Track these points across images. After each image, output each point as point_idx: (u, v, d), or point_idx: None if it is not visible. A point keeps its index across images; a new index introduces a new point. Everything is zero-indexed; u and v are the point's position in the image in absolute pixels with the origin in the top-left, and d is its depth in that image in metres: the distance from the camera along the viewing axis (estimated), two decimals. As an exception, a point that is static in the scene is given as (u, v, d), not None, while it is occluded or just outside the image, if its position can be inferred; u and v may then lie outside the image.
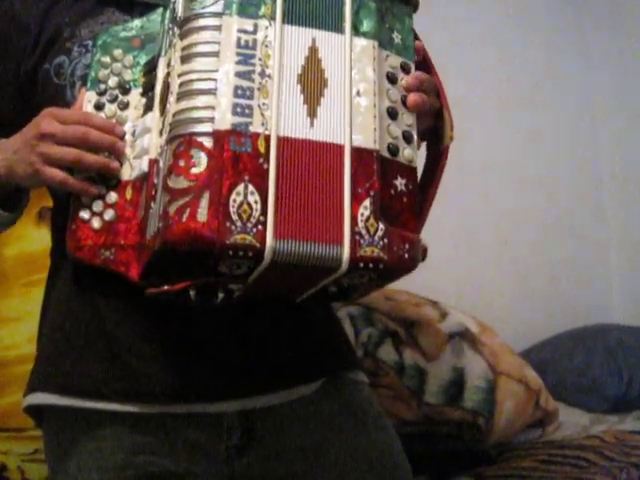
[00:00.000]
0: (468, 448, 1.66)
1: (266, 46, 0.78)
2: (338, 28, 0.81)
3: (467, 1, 2.39)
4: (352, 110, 0.79)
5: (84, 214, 0.84)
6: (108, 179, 0.85)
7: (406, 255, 0.78)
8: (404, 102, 0.82)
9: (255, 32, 0.78)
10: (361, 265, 0.76)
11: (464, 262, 2.30)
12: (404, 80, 0.83)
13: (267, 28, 0.78)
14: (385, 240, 0.77)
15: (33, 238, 1.58)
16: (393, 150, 0.80)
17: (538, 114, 2.53)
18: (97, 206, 0.84)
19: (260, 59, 0.77)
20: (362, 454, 0.97)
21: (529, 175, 2.49)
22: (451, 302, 1.90)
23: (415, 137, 0.83)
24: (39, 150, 0.83)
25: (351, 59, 0.81)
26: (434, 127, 0.88)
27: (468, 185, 2.22)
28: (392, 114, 0.81)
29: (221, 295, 0.80)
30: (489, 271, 2.38)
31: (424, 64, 0.89)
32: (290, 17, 0.80)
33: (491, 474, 1.55)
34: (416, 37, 0.87)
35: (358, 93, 0.80)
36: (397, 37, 0.84)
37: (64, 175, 0.84)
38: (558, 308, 2.45)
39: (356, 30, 0.81)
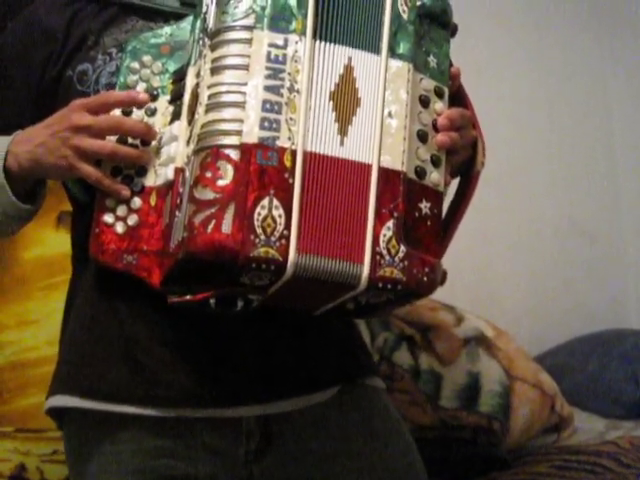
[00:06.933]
0: (483, 453, 1.66)
1: (295, 61, 0.78)
2: (375, 48, 0.81)
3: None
4: (382, 131, 0.80)
5: (108, 218, 0.85)
6: (134, 184, 0.85)
7: (425, 278, 0.79)
8: (435, 126, 0.82)
9: (285, 47, 0.78)
10: (379, 285, 0.78)
11: (478, 266, 2.29)
12: (437, 105, 0.83)
13: (297, 43, 0.78)
14: (405, 262, 0.78)
15: (52, 242, 1.59)
16: (420, 173, 0.81)
17: (554, 118, 2.53)
18: (121, 211, 0.85)
19: (289, 74, 0.78)
20: (379, 460, 0.98)
21: (544, 179, 2.48)
22: (465, 307, 1.90)
23: (443, 162, 0.83)
24: (73, 143, 0.83)
25: (385, 80, 0.81)
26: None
27: (482, 189, 2.20)
28: (422, 137, 0.82)
29: (240, 304, 0.81)
30: (503, 275, 2.37)
31: (458, 93, 0.89)
32: (325, 34, 0.80)
33: (506, 479, 1.55)
34: (450, 64, 0.87)
35: (390, 114, 0.80)
36: (433, 61, 0.84)
37: (99, 174, 0.84)
38: (573, 313, 2.43)
39: (392, 51, 0.82)
